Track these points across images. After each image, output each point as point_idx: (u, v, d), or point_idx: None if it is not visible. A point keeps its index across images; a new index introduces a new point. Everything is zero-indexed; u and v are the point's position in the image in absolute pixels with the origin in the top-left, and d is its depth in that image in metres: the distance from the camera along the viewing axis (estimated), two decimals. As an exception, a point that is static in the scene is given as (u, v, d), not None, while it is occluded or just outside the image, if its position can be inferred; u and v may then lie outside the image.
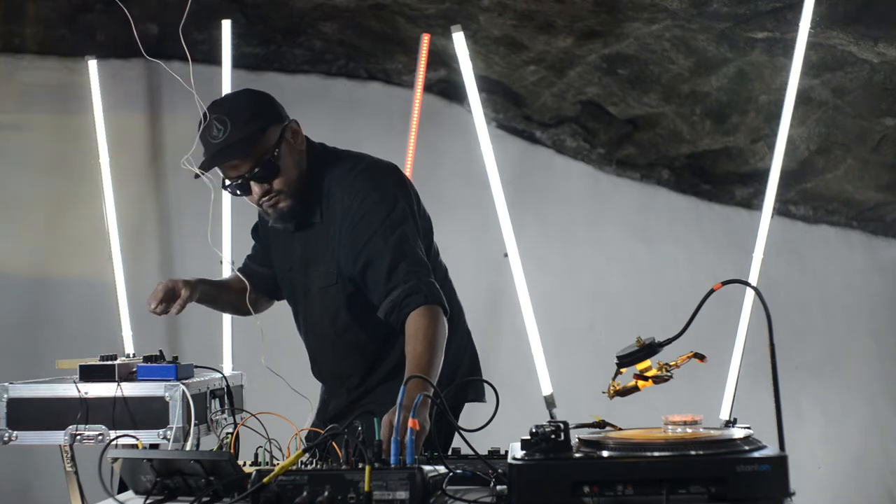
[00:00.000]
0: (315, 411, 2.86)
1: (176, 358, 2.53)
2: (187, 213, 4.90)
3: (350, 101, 5.19)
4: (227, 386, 2.63)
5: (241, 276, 2.84)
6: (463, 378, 2.73)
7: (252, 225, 2.95)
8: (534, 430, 1.73)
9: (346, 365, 2.73)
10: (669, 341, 2.04)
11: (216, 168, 2.56)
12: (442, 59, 4.99)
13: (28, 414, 2.42)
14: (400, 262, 2.51)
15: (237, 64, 4.59)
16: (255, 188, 2.55)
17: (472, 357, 2.82)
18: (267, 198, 2.57)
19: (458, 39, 4.37)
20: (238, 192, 2.58)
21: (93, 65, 4.55)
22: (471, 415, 2.63)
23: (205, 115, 2.55)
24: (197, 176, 2.54)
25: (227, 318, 4.33)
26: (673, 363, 2.03)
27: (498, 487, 1.89)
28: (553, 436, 1.72)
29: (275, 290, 2.91)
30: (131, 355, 2.85)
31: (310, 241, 2.67)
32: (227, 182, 2.58)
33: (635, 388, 2.07)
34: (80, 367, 2.48)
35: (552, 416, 4.31)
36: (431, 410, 2.25)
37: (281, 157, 2.55)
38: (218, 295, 2.85)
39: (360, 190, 2.58)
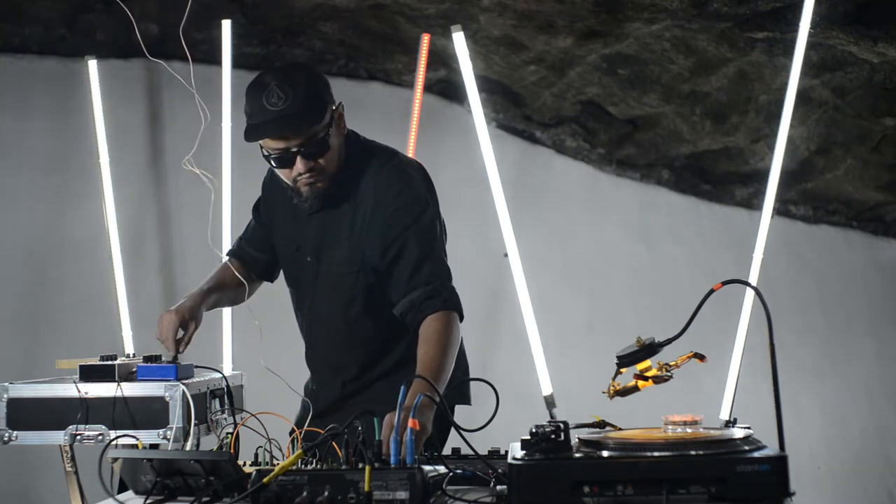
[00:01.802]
0: (300, 404, 2.85)
1: (176, 358, 2.53)
2: (187, 213, 4.90)
3: (350, 101, 5.14)
4: (227, 386, 2.62)
5: (237, 266, 2.82)
6: (456, 381, 2.73)
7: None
8: (534, 430, 1.73)
9: (346, 356, 2.71)
10: (669, 341, 2.04)
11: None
12: (442, 59, 4.99)
13: (28, 414, 2.42)
14: (425, 262, 2.53)
15: (237, 64, 4.59)
16: (300, 164, 2.52)
17: (463, 360, 2.82)
18: (308, 175, 2.53)
19: (458, 39, 4.37)
20: (277, 163, 2.54)
21: (93, 65, 4.55)
22: (471, 415, 2.63)
23: (260, 78, 2.51)
24: (249, 139, 2.51)
25: (227, 319, 4.33)
26: (673, 363, 2.03)
27: (498, 487, 1.89)
28: (553, 436, 1.72)
29: (268, 273, 2.90)
30: (131, 355, 2.85)
31: (330, 225, 2.64)
32: (270, 152, 2.53)
33: (635, 388, 2.07)
34: (80, 367, 2.47)
35: (552, 416, 4.31)
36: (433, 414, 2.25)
37: (330, 136, 2.54)
38: (218, 301, 2.84)
39: (395, 185, 2.59)
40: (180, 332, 2.59)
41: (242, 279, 2.78)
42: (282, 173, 2.57)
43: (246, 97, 2.53)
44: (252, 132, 2.50)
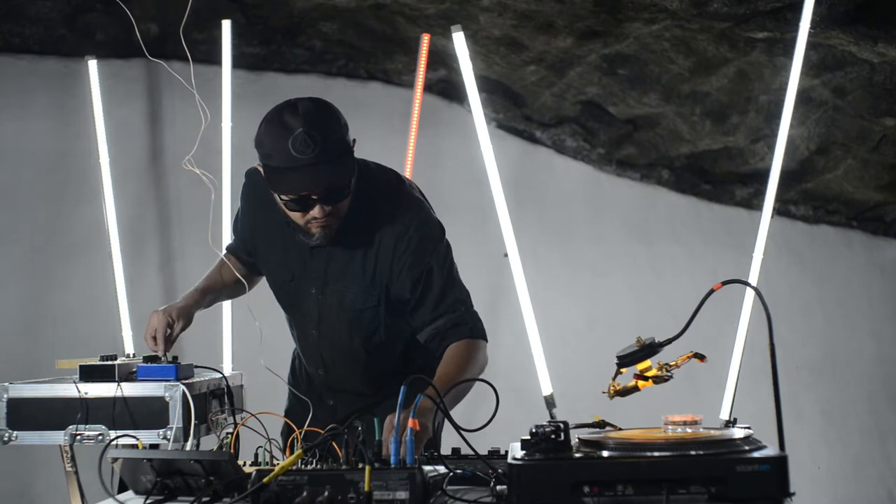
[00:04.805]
0: (287, 411, 2.85)
1: (176, 358, 2.53)
2: (187, 213, 4.90)
3: (350, 101, 5.16)
4: (227, 386, 2.62)
5: (235, 262, 2.79)
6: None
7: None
8: (534, 430, 1.73)
9: (369, 377, 2.71)
10: (669, 341, 2.04)
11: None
12: (442, 59, 4.99)
13: (28, 414, 2.41)
14: (448, 291, 2.54)
15: (237, 64, 4.59)
16: (317, 210, 2.41)
17: None
18: (325, 219, 2.44)
19: (458, 39, 4.37)
20: (294, 207, 2.43)
21: (93, 65, 4.55)
22: (471, 415, 2.63)
23: (283, 118, 2.37)
24: (279, 191, 2.40)
25: (227, 319, 4.33)
26: (673, 363, 2.03)
27: (498, 487, 1.89)
28: (553, 436, 1.72)
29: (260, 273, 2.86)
30: (131, 355, 2.85)
31: (338, 260, 2.58)
32: (287, 196, 2.41)
33: (635, 388, 2.07)
34: (80, 367, 2.47)
35: (552, 416, 4.31)
36: (435, 418, 2.25)
37: (352, 182, 2.47)
38: (216, 298, 2.83)
39: (414, 218, 2.54)
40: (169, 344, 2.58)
41: (241, 276, 2.76)
42: (294, 215, 2.47)
43: (265, 135, 2.40)
44: (283, 183, 2.39)
